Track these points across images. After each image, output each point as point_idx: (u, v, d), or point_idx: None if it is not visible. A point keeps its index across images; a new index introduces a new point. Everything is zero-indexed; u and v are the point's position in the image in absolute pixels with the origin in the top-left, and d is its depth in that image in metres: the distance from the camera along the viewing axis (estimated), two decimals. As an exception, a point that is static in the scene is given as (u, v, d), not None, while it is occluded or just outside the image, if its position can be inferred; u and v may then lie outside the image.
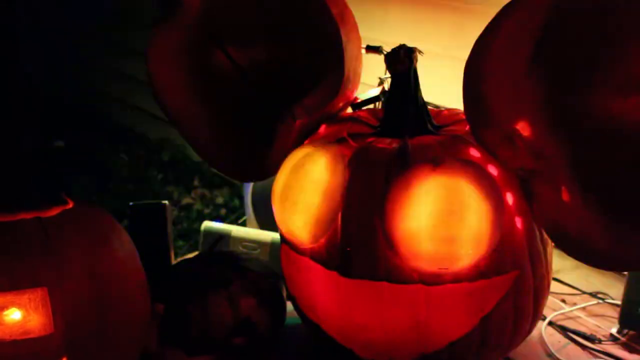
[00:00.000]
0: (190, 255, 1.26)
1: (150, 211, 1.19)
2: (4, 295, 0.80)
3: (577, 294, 1.30)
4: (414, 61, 0.98)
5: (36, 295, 0.81)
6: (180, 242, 2.21)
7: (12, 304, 0.80)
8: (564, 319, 1.21)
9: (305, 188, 0.95)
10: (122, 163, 2.93)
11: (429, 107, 1.03)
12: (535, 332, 1.07)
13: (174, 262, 1.23)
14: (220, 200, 2.61)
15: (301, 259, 0.99)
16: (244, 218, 1.56)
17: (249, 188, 1.47)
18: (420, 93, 1.01)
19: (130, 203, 1.19)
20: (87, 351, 0.85)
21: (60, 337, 0.82)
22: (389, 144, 0.94)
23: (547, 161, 0.85)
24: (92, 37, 3.46)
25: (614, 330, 1.15)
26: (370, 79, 1.15)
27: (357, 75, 1.07)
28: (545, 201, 0.89)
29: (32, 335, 0.81)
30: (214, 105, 1.08)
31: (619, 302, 1.16)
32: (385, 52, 1.01)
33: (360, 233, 0.91)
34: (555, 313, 1.21)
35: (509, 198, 0.90)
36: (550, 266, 0.99)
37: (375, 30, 1.57)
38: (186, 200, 2.61)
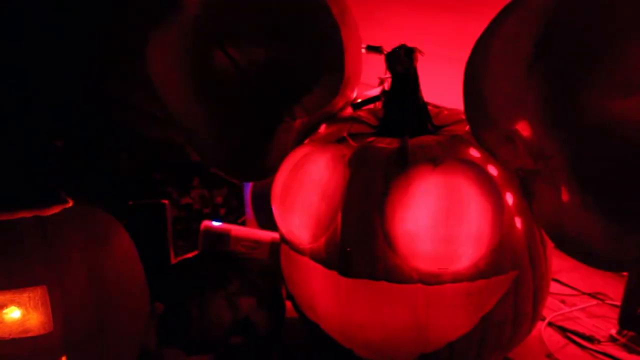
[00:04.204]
0: (190, 255, 1.26)
1: (149, 210, 1.20)
2: (4, 294, 0.80)
3: (576, 294, 1.30)
4: (414, 61, 0.98)
5: (35, 294, 0.81)
6: (180, 242, 2.21)
7: (12, 303, 0.80)
8: (564, 320, 1.21)
9: (305, 188, 0.95)
10: (122, 163, 2.93)
11: (428, 107, 1.03)
12: (534, 333, 1.07)
13: (173, 261, 1.23)
14: (219, 200, 2.60)
15: (301, 259, 0.99)
16: (243, 218, 1.56)
17: (248, 188, 1.47)
18: (420, 93, 1.01)
19: (130, 202, 1.19)
20: (86, 350, 0.85)
21: (60, 336, 0.82)
22: (388, 143, 0.94)
23: (547, 161, 0.85)
24: (92, 37, 3.46)
25: (613, 331, 1.15)
26: (370, 79, 1.15)
27: (357, 75, 1.07)
28: (544, 201, 0.89)
29: (31, 334, 0.81)
30: (213, 105, 1.08)
31: (619, 303, 1.16)
32: (385, 52, 1.01)
33: (359, 233, 0.91)
34: (555, 313, 1.21)
35: (509, 198, 0.90)
36: (549, 266, 0.99)
37: (376, 30, 1.57)
38: (185, 200, 2.61)
